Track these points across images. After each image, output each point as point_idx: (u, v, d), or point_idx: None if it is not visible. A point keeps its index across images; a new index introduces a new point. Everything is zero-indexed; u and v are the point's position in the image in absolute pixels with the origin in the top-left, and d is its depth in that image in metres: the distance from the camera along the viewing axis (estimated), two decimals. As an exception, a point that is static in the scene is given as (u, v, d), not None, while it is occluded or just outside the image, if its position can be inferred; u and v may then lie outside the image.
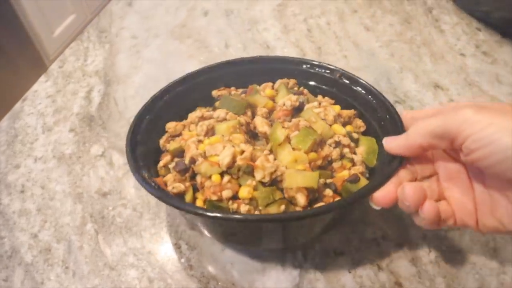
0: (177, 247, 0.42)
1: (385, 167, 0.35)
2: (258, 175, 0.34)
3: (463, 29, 0.61)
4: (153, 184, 0.35)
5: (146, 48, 0.62)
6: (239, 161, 0.35)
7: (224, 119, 0.40)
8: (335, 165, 0.38)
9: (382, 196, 0.33)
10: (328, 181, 0.37)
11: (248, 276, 0.40)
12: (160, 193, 0.34)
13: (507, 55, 0.57)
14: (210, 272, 0.40)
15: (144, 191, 0.42)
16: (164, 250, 0.42)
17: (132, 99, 0.55)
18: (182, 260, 0.41)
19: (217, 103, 0.43)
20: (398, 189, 0.33)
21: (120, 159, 0.49)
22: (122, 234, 0.43)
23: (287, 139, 0.37)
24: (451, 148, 0.32)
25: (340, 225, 0.42)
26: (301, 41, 0.61)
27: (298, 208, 0.34)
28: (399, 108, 0.51)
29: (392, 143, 0.34)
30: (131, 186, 0.47)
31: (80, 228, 0.44)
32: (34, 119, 0.55)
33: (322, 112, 0.40)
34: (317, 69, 0.45)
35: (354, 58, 0.58)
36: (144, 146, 0.40)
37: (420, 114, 0.36)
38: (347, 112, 0.42)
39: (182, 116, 0.44)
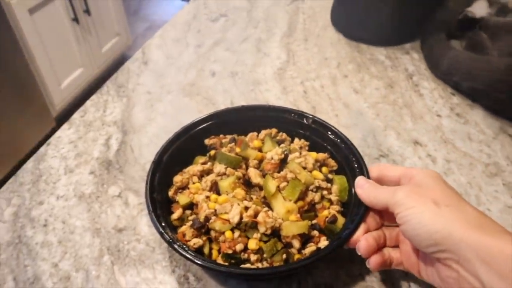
0: (185, 278, 0.47)
1: (355, 208, 0.43)
2: (261, 229, 0.42)
3: (440, 94, 0.69)
4: (178, 243, 0.41)
5: (159, 103, 0.70)
6: (245, 218, 0.42)
7: (224, 174, 0.48)
8: (317, 206, 0.47)
9: (352, 241, 0.41)
10: (314, 222, 0.45)
11: (249, 306, 0.44)
12: (190, 255, 0.40)
13: (477, 116, 0.65)
14: (214, 301, 0.45)
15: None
16: (174, 281, 0.46)
17: (147, 147, 0.62)
18: (189, 290, 0.46)
19: (211, 152, 0.51)
20: (357, 243, 0.41)
21: (135, 200, 0.55)
22: (136, 266, 0.48)
23: (278, 189, 0.45)
24: None
25: (330, 262, 0.47)
26: (298, 101, 0.69)
27: (294, 250, 0.43)
28: (383, 161, 0.59)
29: (362, 194, 0.43)
30: (145, 224, 0.52)
31: (97, 259, 0.49)
32: (57, 162, 0.61)
33: (303, 161, 0.48)
34: (293, 115, 0.54)
35: (344, 117, 0.66)
36: (159, 200, 0.47)
37: (386, 167, 0.44)
38: (322, 156, 0.50)
39: (183, 167, 0.51)
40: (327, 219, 0.44)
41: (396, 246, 0.43)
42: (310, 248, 0.43)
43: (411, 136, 0.62)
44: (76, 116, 0.68)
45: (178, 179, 0.49)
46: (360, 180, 0.43)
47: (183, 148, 0.52)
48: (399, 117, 0.65)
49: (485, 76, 0.62)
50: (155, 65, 0.79)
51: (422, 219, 0.36)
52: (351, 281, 0.46)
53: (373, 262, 0.41)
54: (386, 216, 0.44)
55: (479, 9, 0.75)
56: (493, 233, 0.33)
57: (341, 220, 0.45)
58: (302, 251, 0.43)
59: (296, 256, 0.43)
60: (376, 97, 0.69)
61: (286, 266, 0.41)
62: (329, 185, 0.48)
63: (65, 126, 0.67)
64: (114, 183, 0.57)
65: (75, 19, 2.01)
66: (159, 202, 0.46)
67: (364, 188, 0.42)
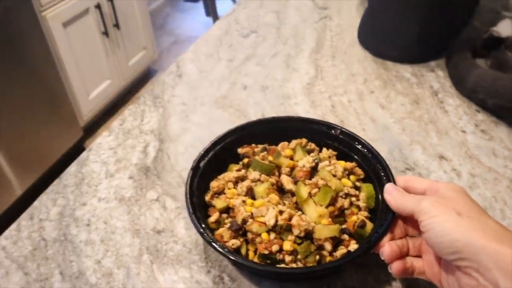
0: (220, 278, 0.49)
1: (383, 214, 0.46)
2: (296, 232, 0.45)
3: (464, 110, 0.71)
4: (218, 244, 0.45)
5: (193, 114, 0.74)
6: (280, 221, 0.45)
7: (259, 180, 0.51)
8: (347, 212, 0.49)
9: (378, 246, 0.44)
10: (343, 226, 0.48)
11: (280, 307, 0.47)
12: (231, 255, 0.43)
13: (502, 133, 0.67)
14: (247, 301, 0.47)
15: (192, 231, 0.52)
16: (210, 280, 0.49)
17: (182, 155, 0.66)
18: (224, 289, 0.48)
19: (244, 160, 0.55)
20: (382, 248, 0.44)
21: (172, 204, 0.58)
22: (174, 265, 0.51)
23: (309, 195, 0.48)
24: None
25: (358, 267, 0.50)
26: (326, 115, 0.72)
27: (325, 252, 0.46)
28: (409, 174, 0.61)
29: (390, 200, 0.45)
30: (182, 227, 0.55)
31: (137, 258, 0.52)
32: (98, 166, 0.65)
33: (333, 169, 0.51)
34: (321, 126, 0.58)
35: (371, 131, 0.68)
36: (197, 203, 0.50)
37: (413, 179, 0.47)
38: (350, 165, 0.53)
39: (218, 173, 0.55)
40: (356, 224, 0.47)
41: (419, 256, 0.45)
42: (341, 251, 0.45)
43: (437, 150, 0.64)
44: (115, 124, 0.73)
45: (214, 184, 0.52)
46: (389, 187, 0.46)
47: (218, 156, 0.56)
48: (425, 132, 0.68)
49: (511, 94, 0.64)
50: (188, 78, 0.83)
51: (445, 227, 0.38)
52: (378, 286, 0.48)
53: (395, 267, 0.43)
54: (411, 225, 0.46)
55: (504, 28, 0.78)
56: None
57: (369, 226, 0.47)
58: (334, 253, 0.46)
59: (328, 258, 0.45)
60: (402, 112, 0.72)
61: (319, 267, 0.44)
62: (357, 192, 0.51)
63: (105, 133, 0.71)
64: (152, 188, 0.61)
65: (105, 33, 2.09)
66: (197, 205, 0.49)
67: (393, 195, 0.45)
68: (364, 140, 0.54)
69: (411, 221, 0.46)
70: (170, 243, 0.53)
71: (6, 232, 0.56)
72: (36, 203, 0.60)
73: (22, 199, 1.76)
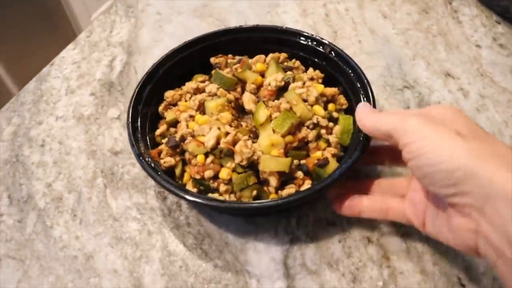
0: (177, 205, 0.44)
1: (351, 151, 0.38)
2: (237, 159, 0.38)
3: (482, 22, 0.60)
4: (147, 159, 0.38)
5: (168, 24, 0.65)
6: (222, 144, 0.38)
7: (215, 94, 0.43)
8: (311, 145, 0.41)
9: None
10: (302, 162, 0.40)
11: (241, 238, 0.42)
12: (151, 170, 0.37)
13: (524, 48, 0.57)
14: (206, 230, 0.42)
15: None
16: (166, 208, 0.44)
17: (151, 70, 0.58)
18: (181, 217, 0.43)
19: (213, 71, 0.46)
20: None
21: (134, 123, 0.52)
22: (128, 190, 0.46)
23: (269, 119, 0.40)
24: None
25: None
26: (318, 24, 0.62)
27: (271, 189, 0.38)
28: (407, 93, 0.52)
29: (362, 119, 0.36)
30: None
31: (90, 181, 0.47)
32: (59, 82, 0.58)
33: (304, 92, 0.42)
34: (309, 41, 0.47)
35: (368, 43, 0.59)
36: (145, 113, 0.43)
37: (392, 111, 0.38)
38: (330, 91, 0.44)
39: (182, 83, 0.47)
40: (317, 161, 0.39)
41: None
42: (288, 190, 0.38)
43: (443, 67, 0.55)
44: (82, 36, 0.65)
45: (169, 94, 0.45)
46: (363, 106, 0.37)
47: (185, 64, 0.48)
48: (431, 45, 0.58)
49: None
50: (168, -15, 0.73)
51: (440, 151, 0.28)
52: (355, 220, 0.41)
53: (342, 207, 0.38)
54: (390, 159, 0.38)
55: None
56: None
57: (332, 165, 0.39)
58: (280, 192, 0.38)
59: (271, 196, 0.38)
60: (406, 23, 0.61)
61: (238, 204, 0.36)
62: (331, 124, 0.42)
63: (70, 46, 0.64)
64: (114, 105, 0.54)
65: None
66: (146, 115, 0.43)
67: (365, 113, 0.36)
68: (354, 62, 0.44)
69: (390, 152, 0.38)
70: (127, 166, 0.48)
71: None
72: (-10, 121, 0.55)
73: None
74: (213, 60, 0.49)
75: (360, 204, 0.37)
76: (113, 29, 0.65)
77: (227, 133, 0.39)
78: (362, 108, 0.37)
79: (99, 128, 0.52)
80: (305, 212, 0.43)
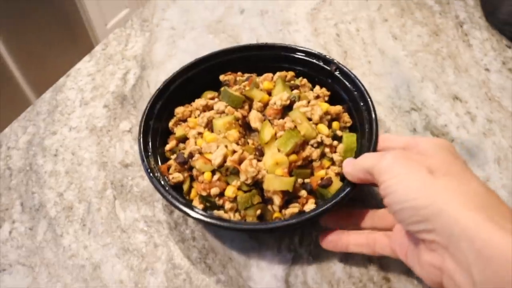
0: (184, 219, 0.45)
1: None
2: (242, 177, 0.38)
3: (492, 45, 0.61)
4: (156, 174, 0.40)
5: (182, 39, 0.67)
6: (228, 162, 0.39)
7: (223, 112, 0.44)
8: (315, 164, 0.41)
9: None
10: (306, 180, 0.40)
11: (245, 254, 0.42)
12: (159, 185, 0.38)
13: (533, 74, 0.57)
14: (211, 245, 0.43)
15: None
16: (172, 221, 0.45)
17: (163, 84, 0.60)
18: (187, 231, 0.44)
19: (222, 89, 0.47)
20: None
21: (144, 136, 0.53)
22: (137, 202, 0.47)
23: (274, 138, 0.41)
24: None
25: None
26: (329, 44, 0.63)
27: (274, 207, 0.39)
28: (414, 116, 0.53)
29: (345, 168, 0.37)
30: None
31: (100, 192, 0.48)
32: (74, 93, 0.60)
33: (309, 111, 0.42)
34: (315, 59, 0.48)
35: (377, 64, 0.59)
36: (156, 128, 0.44)
37: (391, 138, 0.38)
38: (335, 109, 0.44)
39: (192, 99, 0.48)
40: (320, 181, 0.39)
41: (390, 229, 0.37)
42: (291, 209, 0.39)
43: (451, 90, 0.56)
44: (98, 48, 0.67)
45: (179, 110, 0.47)
46: (347, 160, 0.38)
47: (195, 81, 0.49)
48: (440, 68, 0.58)
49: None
50: (183, 1, 0.75)
51: (408, 190, 0.29)
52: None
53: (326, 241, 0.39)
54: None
55: None
56: (501, 220, 0.25)
57: (336, 185, 0.39)
58: (284, 210, 0.39)
59: (275, 215, 0.39)
60: (416, 45, 0.62)
61: (240, 225, 0.37)
62: (335, 142, 0.43)
63: (86, 58, 0.65)
64: (126, 118, 0.56)
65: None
66: (157, 131, 0.44)
67: (347, 162, 0.37)
68: (359, 80, 0.45)
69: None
70: (136, 178, 0.49)
71: (-29, 158, 0.53)
72: (7, 130, 0.57)
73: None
74: (222, 77, 0.50)
75: (346, 240, 0.38)
76: (128, 43, 0.67)
77: (234, 151, 0.39)
78: (346, 161, 0.38)
79: (110, 140, 0.53)
80: (308, 230, 0.43)
